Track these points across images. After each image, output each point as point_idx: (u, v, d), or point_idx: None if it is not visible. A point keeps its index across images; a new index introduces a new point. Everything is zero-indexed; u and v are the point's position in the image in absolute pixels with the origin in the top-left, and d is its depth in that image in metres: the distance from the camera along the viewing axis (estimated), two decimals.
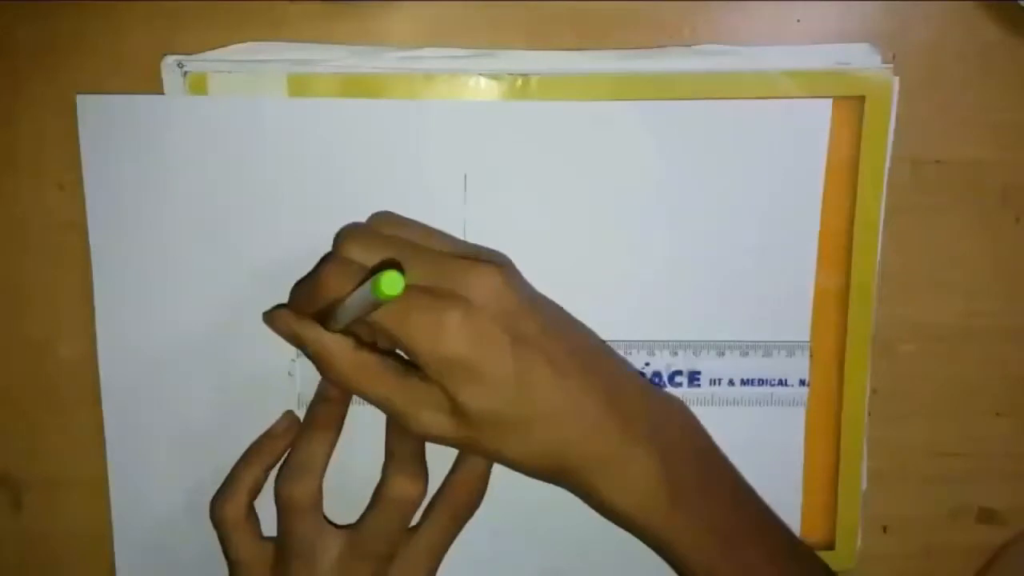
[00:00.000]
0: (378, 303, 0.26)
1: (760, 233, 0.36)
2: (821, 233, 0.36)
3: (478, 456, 0.33)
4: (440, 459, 0.35)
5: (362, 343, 0.32)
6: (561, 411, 0.30)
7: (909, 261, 0.36)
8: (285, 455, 0.35)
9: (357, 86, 0.34)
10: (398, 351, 0.32)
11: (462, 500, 0.35)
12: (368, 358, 0.31)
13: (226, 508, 0.34)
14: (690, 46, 0.35)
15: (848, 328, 0.36)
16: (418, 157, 0.35)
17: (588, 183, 0.35)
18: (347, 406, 0.36)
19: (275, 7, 0.34)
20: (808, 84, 0.34)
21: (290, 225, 0.35)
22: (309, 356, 0.32)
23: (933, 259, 0.36)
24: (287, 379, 0.36)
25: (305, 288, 0.33)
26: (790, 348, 0.36)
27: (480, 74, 0.34)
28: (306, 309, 0.32)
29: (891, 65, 0.35)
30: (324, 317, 0.31)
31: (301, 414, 0.36)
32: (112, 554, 0.37)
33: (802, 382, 0.36)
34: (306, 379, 0.36)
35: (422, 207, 0.35)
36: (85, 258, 0.35)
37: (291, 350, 0.36)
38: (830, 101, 0.35)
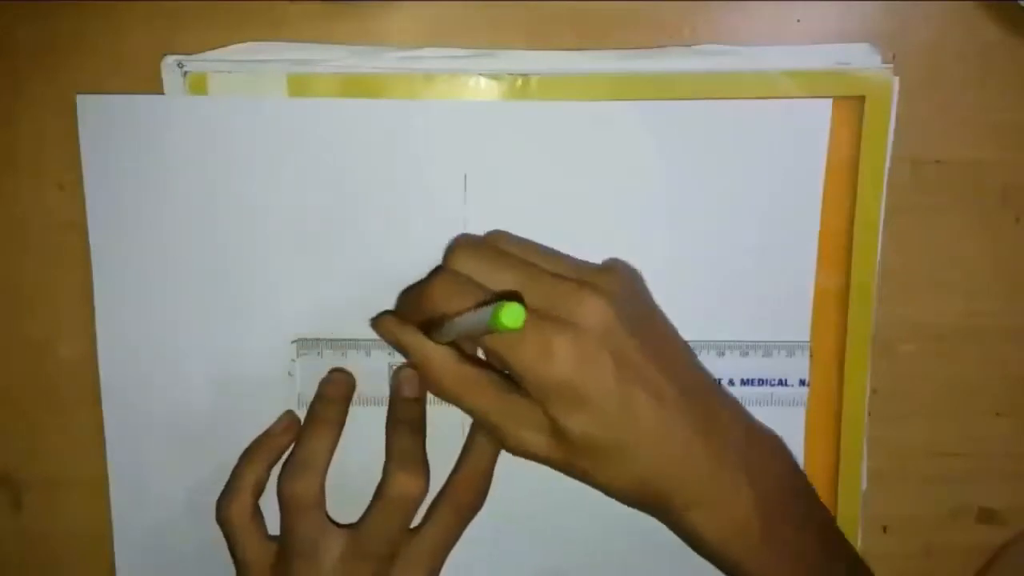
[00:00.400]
0: (486, 329, 0.26)
1: (760, 233, 0.36)
2: (821, 233, 0.36)
3: (575, 476, 0.32)
4: (441, 459, 0.35)
5: (464, 355, 0.32)
6: (661, 441, 0.30)
7: (909, 261, 0.36)
8: (286, 454, 0.35)
9: (357, 86, 0.34)
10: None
11: (465, 499, 0.35)
12: (470, 371, 0.31)
13: (232, 509, 0.34)
14: (690, 46, 0.35)
15: (848, 328, 0.36)
16: (418, 157, 0.35)
17: (588, 183, 0.35)
18: (348, 404, 0.36)
19: (275, 7, 0.34)
20: (808, 84, 0.34)
21: (290, 225, 0.35)
22: (409, 363, 0.33)
23: (933, 259, 0.36)
24: (287, 379, 0.36)
25: (413, 297, 0.33)
26: (790, 348, 0.36)
27: (480, 74, 0.34)
28: (412, 317, 0.32)
29: (891, 65, 0.35)
30: (429, 326, 0.31)
31: (301, 414, 0.36)
32: (112, 554, 0.37)
33: (802, 382, 0.36)
34: (306, 379, 0.36)
35: (422, 207, 0.35)
36: (85, 258, 0.35)
37: (291, 350, 0.36)
38: (830, 101, 0.35)
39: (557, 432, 0.30)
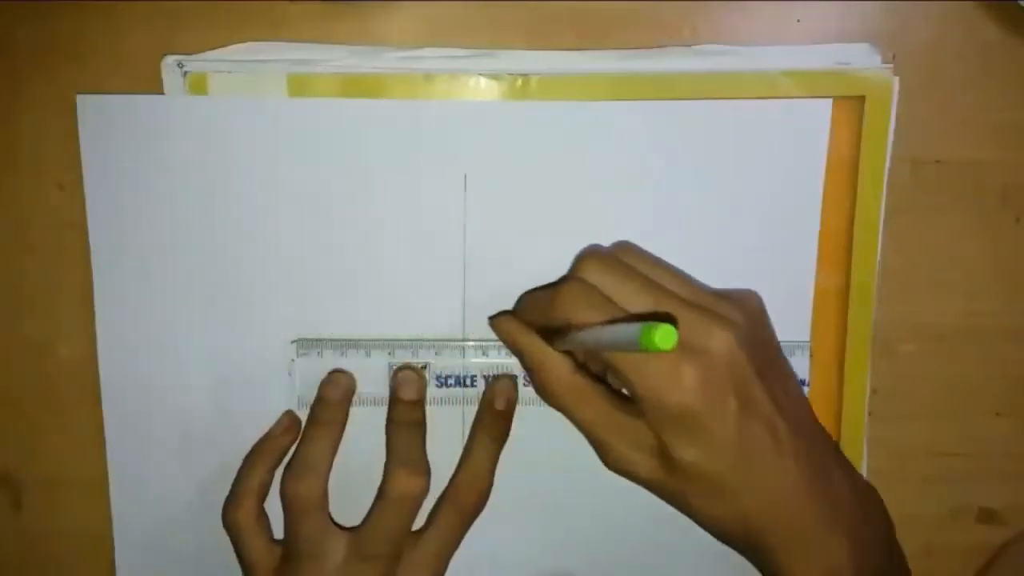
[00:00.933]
0: (633, 347, 0.26)
1: (760, 233, 0.36)
2: (821, 233, 0.36)
3: (670, 501, 0.32)
4: (442, 460, 0.35)
5: (579, 365, 0.32)
6: (769, 482, 0.30)
7: (909, 261, 0.36)
8: (289, 455, 0.35)
9: (357, 86, 0.34)
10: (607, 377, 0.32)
11: (467, 500, 0.35)
12: (583, 383, 0.31)
13: (238, 513, 0.34)
14: (690, 46, 0.35)
15: (848, 328, 0.36)
16: (418, 157, 0.35)
17: (588, 183, 0.35)
18: (348, 405, 0.36)
19: (275, 7, 0.34)
20: (808, 84, 0.34)
21: (290, 225, 0.35)
22: (523, 365, 0.33)
23: (933, 259, 0.36)
24: (287, 379, 0.36)
25: (537, 302, 0.33)
26: (790, 348, 0.36)
27: (480, 74, 0.34)
28: (532, 320, 0.33)
29: (891, 65, 0.35)
30: (549, 332, 0.31)
31: (301, 414, 0.36)
32: (112, 554, 0.37)
33: (802, 382, 0.36)
34: (306, 379, 0.36)
35: (422, 207, 0.35)
36: (85, 258, 0.35)
37: (291, 350, 0.36)
38: (830, 101, 0.35)
39: (666, 457, 0.30)
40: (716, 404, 0.29)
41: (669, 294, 0.31)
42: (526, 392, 0.36)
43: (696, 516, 0.31)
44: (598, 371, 0.33)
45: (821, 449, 0.32)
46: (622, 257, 0.33)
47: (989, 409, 0.38)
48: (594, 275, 0.31)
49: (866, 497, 0.34)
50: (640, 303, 0.31)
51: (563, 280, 0.33)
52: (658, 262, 0.34)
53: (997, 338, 0.37)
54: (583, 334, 0.30)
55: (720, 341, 0.30)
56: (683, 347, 0.29)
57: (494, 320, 0.34)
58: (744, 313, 0.32)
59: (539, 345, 0.32)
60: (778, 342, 0.34)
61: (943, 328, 0.37)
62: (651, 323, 0.24)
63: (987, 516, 0.38)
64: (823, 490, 0.31)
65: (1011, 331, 0.37)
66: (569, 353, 0.32)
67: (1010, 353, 0.37)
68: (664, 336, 0.24)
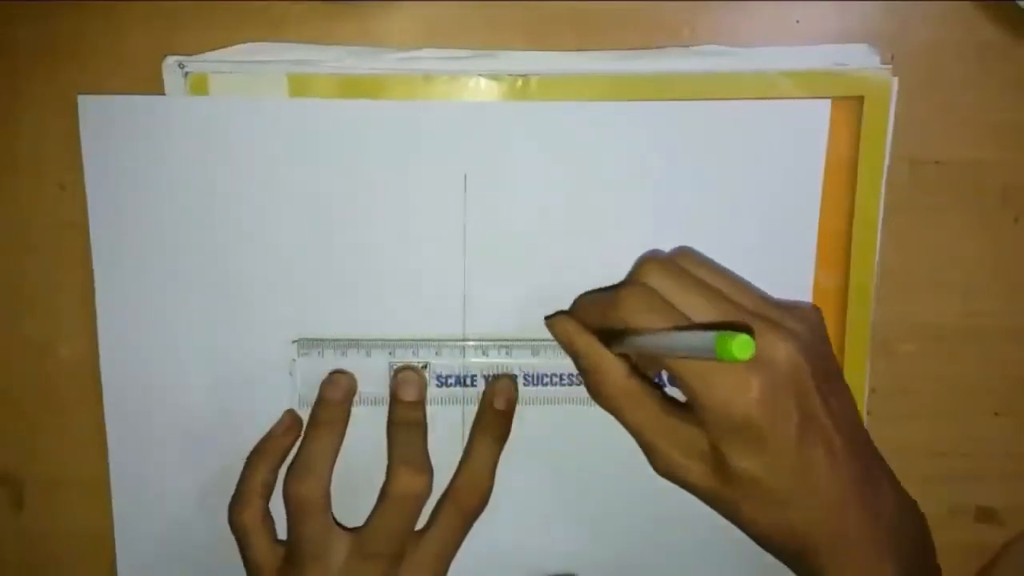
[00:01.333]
0: (706, 354, 0.25)
1: (759, 233, 0.36)
2: (820, 233, 0.36)
3: (719, 508, 0.32)
4: (442, 460, 0.35)
5: (634, 369, 0.32)
6: (823, 497, 0.30)
7: (908, 261, 0.36)
8: (291, 454, 0.35)
9: (357, 87, 0.34)
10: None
11: (468, 500, 0.35)
12: (638, 387, 0.31)
13: (244, 514, 0.35)
14: (689, 47, 0.35)
15: (847, 328, 0.36)
16: (418, 157, 0.35)
17: (588, 183, 0.35)
18: (349, 406, 0.36)
19: (275, 7, 0.34)
20: (807, 84, 0.34)
21: (290, 225, 0.35)
22: (578, 366, 0.33)
23: (932, 259, 0.37)
24: (287, 379, 0.36)
25: (596, 304, 0.33)
26: None
27: (480, 75, 0.35)
28: (589, 322, 0.33)
29: (890, 65, 0.35)
30: (606, 334, 0.31)
31: (302, 414, 0.36)
32: (113, 553, 0.37)
33: None
34: (306, 379, 0.36)
35: (422, 207, 0.35)
36: (86, 258, 0.35)
37: (291, 350, 0.36)
38: (829, 101, 0.35)
39: (720, 465, 0.30)
40: (779, 416, 0.29)
41: (733, 303, 0.31)
42: (526, 392, 0.36)
43: (746, 526, 0.31)
44: (649, 374, 0.33)
45: (873, 465, 0.32)
46: (682, 263, 0.33)
47: (988, 409, 0.38)
48: (656, 280, 0.31)
49: (911, 515, 0.34)
50: (704, 311, 0.31)
51: (625, 284, 0.34)
52: (718, 268, 0.34)
53: (996, 338, 0.37)
54: (648, 339, 0.30)
55: (786, 353, 0.29)
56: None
57: (551, 320, 0.34)
58: (807, 325, 0.31)
59: (597, 347, 0.32)
60: (832, 352, 0.33)
61: (942, 328, 0.37)
62: (728, 332, 0.24)
63: (986, 516, 0.38)
64: (873, 506, 0.31)
65: (1010, 331, 0.37)
66: (623, 356, 0.32)
67: (1009, 353, 0.37)
68: (741, 346, 0.24)
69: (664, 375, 0.35)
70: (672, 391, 0.34)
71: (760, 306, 0.32)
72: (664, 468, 0.31)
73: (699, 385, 0.29)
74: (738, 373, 0.29)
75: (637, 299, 0.31)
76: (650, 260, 0.33)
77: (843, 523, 0.30)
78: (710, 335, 0.25)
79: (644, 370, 0.33)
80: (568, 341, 0.33)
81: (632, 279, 0.33)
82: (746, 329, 0.29)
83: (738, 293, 0.32)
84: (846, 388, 0.33)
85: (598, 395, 0.32)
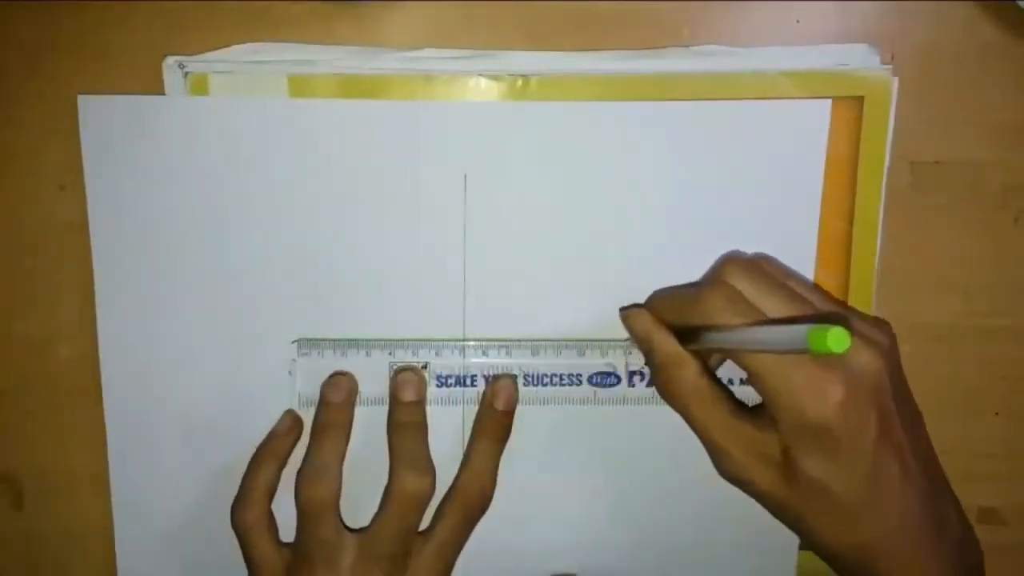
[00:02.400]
0: (797, 347, 0.25)
1: (759, 233, 0.36)
2: (820, 233, 0.36)
3: (782, 515, 0.31)
4: (443, 460, 0.35)
5: (706, 368, 0.32)
6: (892, 513, 0.30)
7: (908, 261, 0.36)
8: (295, 455, 0.35)
9: (357, 86, 0.34)
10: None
11: (471, 500, 0.35)
12: (708, 386, 0.31)
13: (247, 515, 0.34)
14: (689, 47, 0.35)
15: None
16: (418, 157, 0.35)
17: (588, 183, 0.35)
18: (352, 406, 0.36)
19: (275, 7, 0.34)
20: (807, 84, 0.34)
21: (290, 225, 0.35)
22: (649, 362, 0.33)
23: (932, 259, 0.37)
24: (287, 379, 0.36)
25: (675, 301, 0.33)
26: None
27: (480, 75, 0.35)
28: (668, 318, 0.33)
29: (890, 65, 0.35)
30: (682, 331, 0.31)
31: (302, 413, 0.36)
32: (113, 553, 0.37)
33: None
34: (306, 379, 0.36)
35: (422, 207, 0.35)
36: (86, 258, 0.35)
37: (291, 350, 0.36)
38: (829, 101, 0.35)
39: (789, 471, 0.30)
40: (857, 424, 0.29)
41: (815, 308, 0.31)
42: (526, 392, 0.36)
43: (809, 535, 0.31)
44: (713, 364, 0.33)
45: (943, 490, 0.32)
46: (766, 268, 0.33)
47: (989, 409, 0.38)
48: (739, 280, 0.31)
49: (973, 546, 0.33)
50: (787, 313, 0.31)
51: (707, 282, 0.34)
52: (798, 275, 0.34)
53: (996, 338, 0.37)
54: (733, 334, 0.29)
55: (869, 361, 0.29)
56: (831, 362, 0.29)
57: (627, 312, 0.34)
58: (888, 337, 0.31)
59: (673, 344, 0.32)
60: (903, 371, 0.33)
61: (942, 328, 0.37)
62: (822, 325, 0.24)
63: (987, 516, 0.38)
64: (936, 525, 0.30)
65: (1010, 331, 0.37)
66: (695, 355, 0.32)
67: (1010, 353, 0.37)
68: (837, 338, 0.23)
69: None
70: (741, 393, 0.33)
71: (844, 314, 0.31)
72: (730, 471, 0.31)
73: (780, 384, 0.29)
74: (822, 376, 0.28)
75: (722, 297, 0.31)
76: (733, 260, 0.33)
77: (908, 542, 0.30)
78: (803, 328, 0.24)
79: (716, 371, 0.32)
80: (645, 336, 0.33)
81: (714, 278, 0.33)
82: (840, 321, 0.28)
83: (820, 299, 0.32)
84: (918, 410, 0.33)
85: (667, 392, 0.32)
